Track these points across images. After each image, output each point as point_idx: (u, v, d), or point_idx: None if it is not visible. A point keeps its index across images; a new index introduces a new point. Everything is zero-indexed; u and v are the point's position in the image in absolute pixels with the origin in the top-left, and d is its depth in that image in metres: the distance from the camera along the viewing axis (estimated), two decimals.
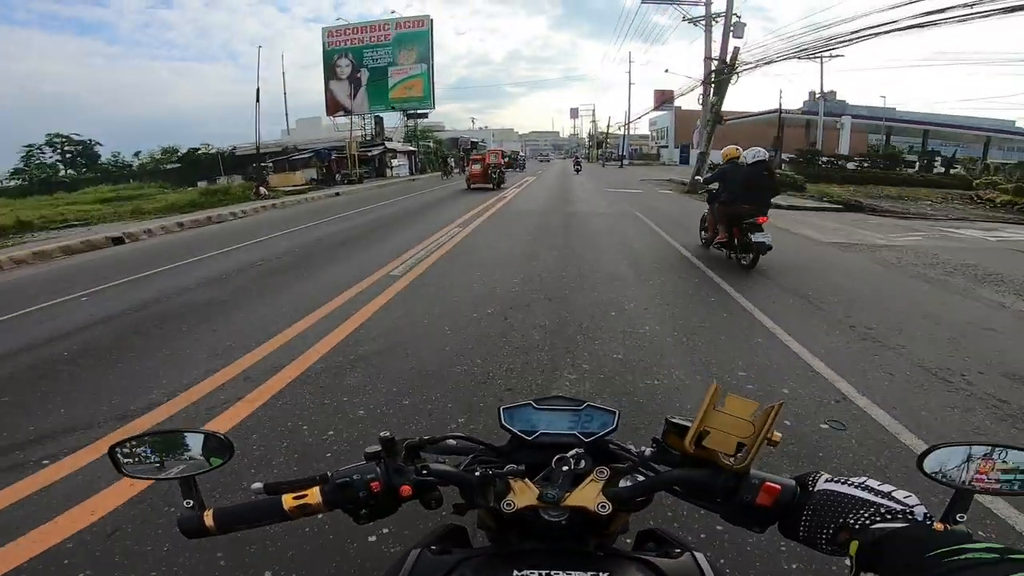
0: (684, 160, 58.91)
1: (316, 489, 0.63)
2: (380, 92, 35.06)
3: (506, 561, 0.60)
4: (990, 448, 0.61)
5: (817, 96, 34.07)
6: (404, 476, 0.65)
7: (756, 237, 5.49)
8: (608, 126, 64.67)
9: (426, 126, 50.55)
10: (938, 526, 0.54)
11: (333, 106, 35.87)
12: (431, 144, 44.30)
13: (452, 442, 0.74)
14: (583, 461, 0.65)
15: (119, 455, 0.66)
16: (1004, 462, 0.60)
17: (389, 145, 32.15)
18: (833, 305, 4.73)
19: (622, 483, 0.63)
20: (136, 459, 0.67)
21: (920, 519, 0.53)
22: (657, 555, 0.64)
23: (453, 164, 34.60)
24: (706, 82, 18.26)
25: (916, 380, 3.18)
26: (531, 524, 0.63)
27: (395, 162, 30.04)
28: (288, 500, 0.63)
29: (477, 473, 0.65)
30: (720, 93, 16.89)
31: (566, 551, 0.62)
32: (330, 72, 35.66)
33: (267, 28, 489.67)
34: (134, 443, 0.67)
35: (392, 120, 37.21)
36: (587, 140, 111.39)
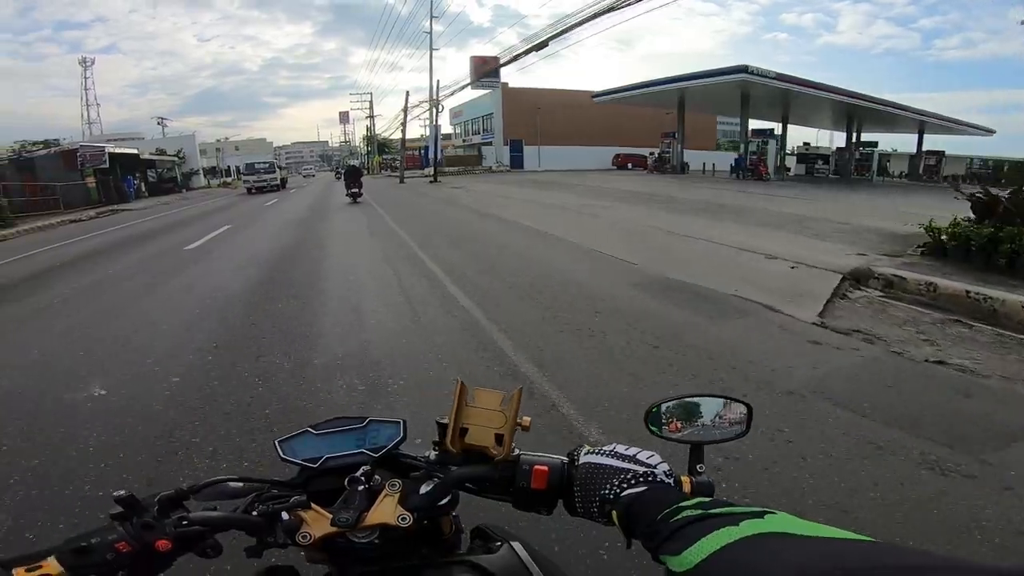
0: (518, 162, 39.22)
1: (53, 559, 0.56)
2: None
3: None
4: (702, 398, 0.66)
5: None
6: (157, 530, 0.57)
7: (353, 191, 16.84)
8: (405, 118, 37.21)
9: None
10: (684, 480, 0.57)
11: None
12: None
13: (236, 484, 0.67)
14: (376, 477, 0.64)
15: None
16: (718, 411, 0.66)
17: None
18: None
19: (422, 490, 0.63)
20: None
21: (661, 478, 0.55)
22: (482, 552, 0.67)
23: None
24: None
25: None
26: (353, 550, 0.62)
27: None
28: (20, 574, 0.55)
29: (254, 512, 0.61)
30: None
31: (394, 568, 0.63)
32: None
33: None
34: None
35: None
36: (363, 146, 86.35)
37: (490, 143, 43.26)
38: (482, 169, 39.75)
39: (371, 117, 67.86)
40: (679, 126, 29.56)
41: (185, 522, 0.59)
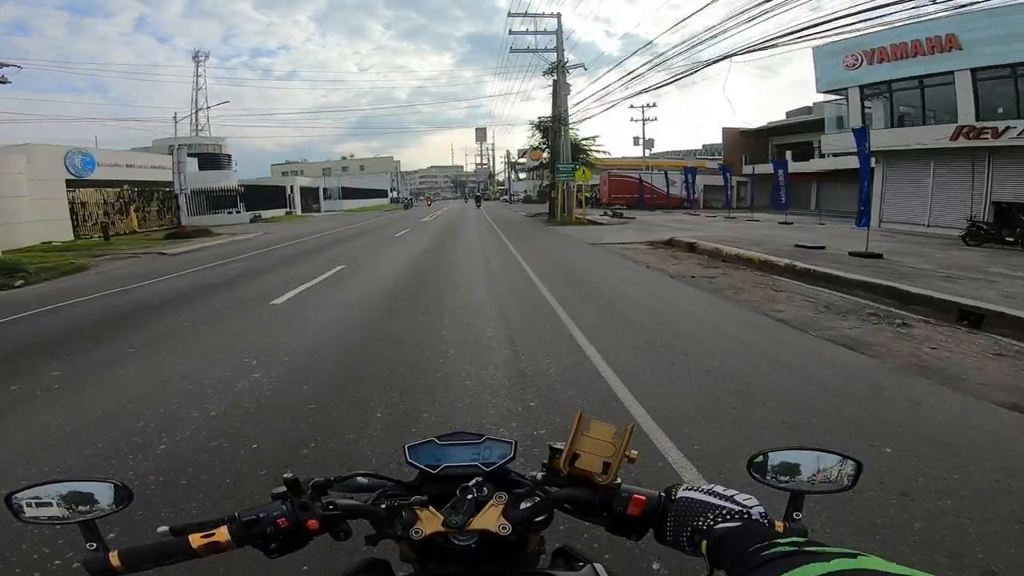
0: None
1: (224, 528, 0.64)
2: None
3: None
4: (812, 452, 0.70)
5: None
6: (310, 511, 0.66)
7: (478, 207, 45.62)
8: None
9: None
10: (779, 524, 0.62)
11: None
12: None
13: (363, 480, 0.77)
14: (485, 488, 0.69)
15: (15, 502, 0.65)
16: (826, 465, 0.69)
17: None
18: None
19: (523, 506, 0.67)
20: (34, 506, 0.66)
21: (755, 518, 0.59)
22: (564, 570, 0.72)
23: None
24: None
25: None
26: (449, 551, 0.66)
27: None
28: (196, 539, 0.63)
29: (383, 505, 0.68)
30: None
31: (480, 573, 0.67)
32: None
33: (141, 59, 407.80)
34: (32, 491, 0.66)
35: None
36: (511, 161, 67.97)
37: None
38: None
39: (559, 66, 24.20)
40: None
41: (332, 506, 0.67)
